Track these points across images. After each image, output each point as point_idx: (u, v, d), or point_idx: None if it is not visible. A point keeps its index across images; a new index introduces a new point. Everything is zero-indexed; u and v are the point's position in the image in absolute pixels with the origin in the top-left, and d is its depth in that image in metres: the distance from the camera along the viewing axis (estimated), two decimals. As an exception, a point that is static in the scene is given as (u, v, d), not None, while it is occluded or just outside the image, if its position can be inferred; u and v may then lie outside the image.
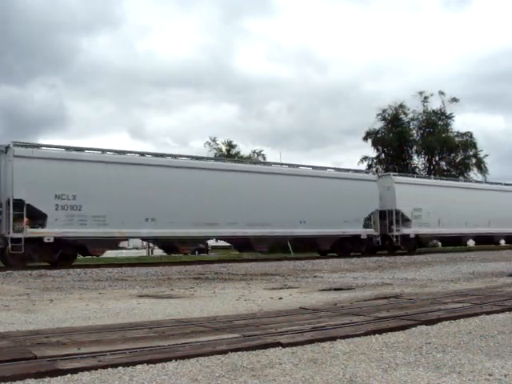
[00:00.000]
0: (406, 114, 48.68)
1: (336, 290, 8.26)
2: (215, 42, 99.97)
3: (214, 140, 50.30)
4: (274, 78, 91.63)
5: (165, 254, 24.24)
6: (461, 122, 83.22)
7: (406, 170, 45.00)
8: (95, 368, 3.01)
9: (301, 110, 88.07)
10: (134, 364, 3.11)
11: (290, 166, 23.90)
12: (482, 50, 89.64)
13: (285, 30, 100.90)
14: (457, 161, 48.81)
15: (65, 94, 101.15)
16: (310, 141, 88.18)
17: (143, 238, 21.39)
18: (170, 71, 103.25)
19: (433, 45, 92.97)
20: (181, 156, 21.05)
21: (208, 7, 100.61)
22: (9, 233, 15.82)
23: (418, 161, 50.14)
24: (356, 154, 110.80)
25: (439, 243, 31.64)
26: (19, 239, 15.82)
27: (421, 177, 31.17)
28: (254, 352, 3.47)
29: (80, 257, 19.74)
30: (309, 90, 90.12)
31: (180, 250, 20.16)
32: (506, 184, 33.34)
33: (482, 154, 48.15)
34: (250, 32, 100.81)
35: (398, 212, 24.99)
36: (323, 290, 8.32)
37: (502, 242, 34.27)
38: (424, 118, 48.71)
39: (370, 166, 47.88)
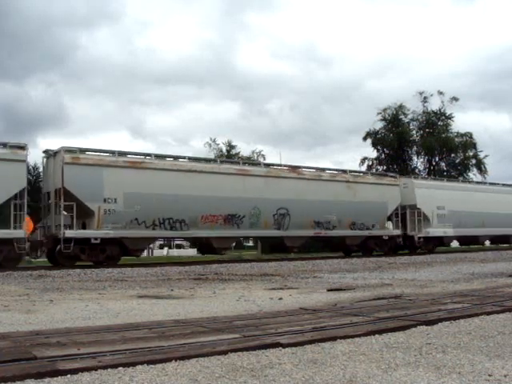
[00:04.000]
0: (405, 114, 48.73)
1: (336, 290, 8.26)
2: (217, 37, 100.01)
3: (213, 140, 50.28)
4: (277, 76, 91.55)
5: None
6: (465, 121, 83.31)
7: (406, 170, 44.98)
8: (95, 368, 3.01)
9: (303, 109, 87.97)
10: (134, 364, 3.11)
11: None
12: (489, 47, 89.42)
13: (288, 26, 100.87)
14: (456, 161, 48.85)
15: (63, 91, 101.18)
16: (313, 140, 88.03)
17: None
18: (170, 68, 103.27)
19: (439, 41, 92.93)
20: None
21: (209, 1, 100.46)
22: None
23: (418, 161, 50.24)
24: (359, 153, 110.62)
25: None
26: None
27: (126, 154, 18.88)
28: (253, 352, 3.47)
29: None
30: (312, 88, 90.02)
31: None
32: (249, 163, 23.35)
33: (482, 155, 48.24)
34: (253, 28, 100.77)
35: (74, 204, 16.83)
36: (323, 290, 8.32)
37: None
38: (424, 118, 48.75)
39: (369, 167, 47.92)
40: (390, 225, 25.12)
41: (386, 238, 24.26)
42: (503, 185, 33.42)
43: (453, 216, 26.49)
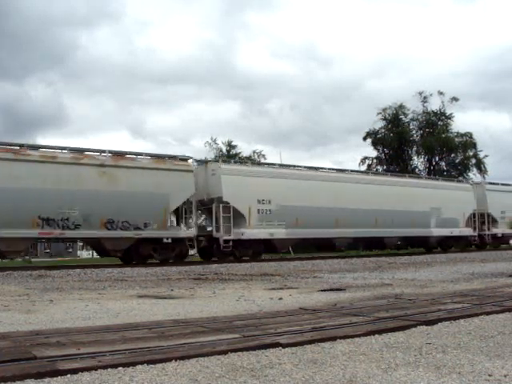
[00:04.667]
0: (405, 114, 48.74)
1: (336, 290, 8.26)
2: (217, 37, 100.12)
3: (214, 140, 50.22)
4: (277, 75, 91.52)
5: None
6: (465, 121, 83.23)
7: (406, 170, 44.98)
8: (95, 368, 3.01)
9: (303, 108, 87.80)
10: (133, 364, 3.11)
11: None
12: (489, 47, 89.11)
13: (288, 26, 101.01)
14: (456, 161, 48.86)
15: (63, 90, 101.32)
16: (313, 140, 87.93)
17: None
18: (170, 68, 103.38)
19: (439, 41, 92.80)
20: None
21: (209, 1, 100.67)
22: None
23: (418, 161, 50.25)
24: (359, 153, 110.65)
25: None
26: None
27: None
28: (253, 352, 3.47)
29: (81, 257, 18.57)
30: (312, 88, 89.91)
31: None
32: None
33: (482, 155, 48.25)
34: (253, 27, 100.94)
35: None
36: (323, 290, 8.32)
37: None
38: (424, 118, 48.77)
39: (369, 167, 47.94)
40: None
41: (169, 241, 18.22)
42: (373, 173, 26.69)
43: (286, 213, 20.24)
